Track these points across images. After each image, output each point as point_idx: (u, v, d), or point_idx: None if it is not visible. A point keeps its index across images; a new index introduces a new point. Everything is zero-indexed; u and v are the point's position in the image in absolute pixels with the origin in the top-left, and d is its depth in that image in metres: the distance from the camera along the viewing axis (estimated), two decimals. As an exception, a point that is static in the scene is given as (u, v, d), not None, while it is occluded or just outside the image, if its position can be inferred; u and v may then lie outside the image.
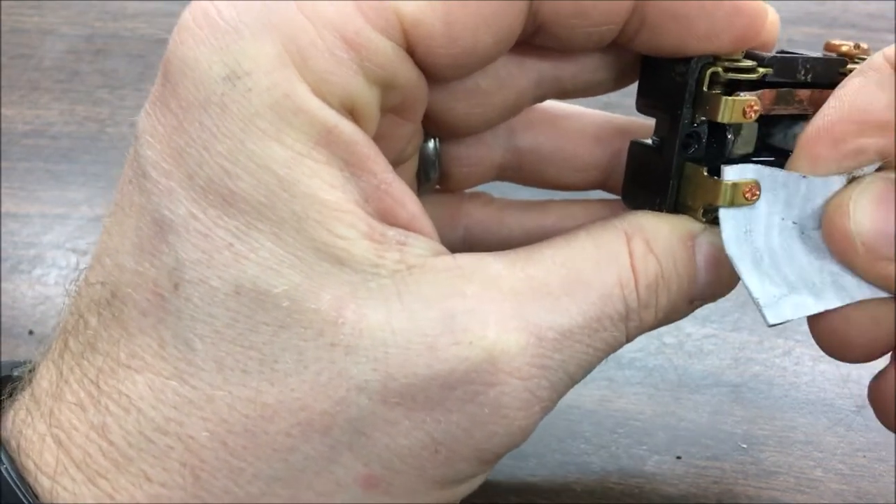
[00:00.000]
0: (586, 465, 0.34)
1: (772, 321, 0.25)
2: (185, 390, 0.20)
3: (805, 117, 0.26)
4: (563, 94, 0.28)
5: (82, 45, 0.54)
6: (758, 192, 0.25)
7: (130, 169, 0.22)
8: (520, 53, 0.25)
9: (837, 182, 0.25)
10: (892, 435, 0.34)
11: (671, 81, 0.25)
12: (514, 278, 0.22)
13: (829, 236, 0.24)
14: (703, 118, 0.25)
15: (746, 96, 0.24)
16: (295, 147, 0.21)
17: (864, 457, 0.34)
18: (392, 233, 0.22)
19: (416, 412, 0.21)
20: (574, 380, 0.23)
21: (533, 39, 0.24)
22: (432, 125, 0.27)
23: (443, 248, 0.23)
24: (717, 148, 0.25)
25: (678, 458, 0.34)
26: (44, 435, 0.21)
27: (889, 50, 0.23)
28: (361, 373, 0.20)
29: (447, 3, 0.22)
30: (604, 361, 0.37)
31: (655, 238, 0.24)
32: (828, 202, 0.24)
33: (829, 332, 0.25)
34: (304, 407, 0.20)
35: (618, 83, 0.27)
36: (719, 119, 0.24)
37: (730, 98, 0.24)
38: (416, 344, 0.21)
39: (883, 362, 0.26)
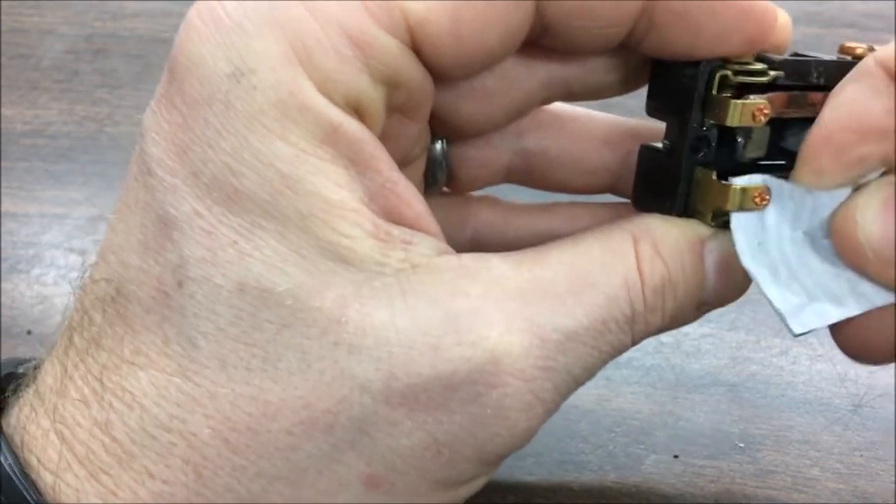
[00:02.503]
0: (584, 465, 0.34)
1: (797, 331, 0.25)
2: (189, 387, 0.21)
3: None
4: (570, 97, 0.28)
5: (81, 45, 0.54)
6: (767, 197, 0.24)
7: (136, 166, 0.22)
8: (527, 54, 0.25)
9: (843, 190, 0.24)
10: (890, 434, 0.34)
11: (680, 85, 0.25)
12: (519, 279, 0.22)
13: (839, 247, 0.24)
14: (713, 122, 0.24)
15: (756, 100, 0.24)
16: (300, 145, 0.21)
17: (862, 456, 0.34)
18: (397, 232, 0.22)
19: (418, 412, 0.21)
20: (578, 382, 0.23)
21: (540, 41, 0.24)
22: (439, 126, 0.27)
23: (448, 248, 0.23)
24: (727, 152, 0.25)
25: (675, 457, 0.34)
26: (47, 431, 0.21)
27: (880, 52, 0.23)
28: (364, 372, 0.20)
29: (454, 3, 0.22)
30: (602, 361, 0.37)
31: (663, 241, 0.24)
32: (834, 213, 0.24)
33: (852, 339, 0.25)
34: (307, 405, 0.20)
35: (627, 86, 0.27)
36: (728, 123, 0.24)
37: (739, 101, 0.24)
38: (420, 344, 0.21)
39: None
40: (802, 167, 0.24)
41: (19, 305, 0.40)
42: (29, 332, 0.39)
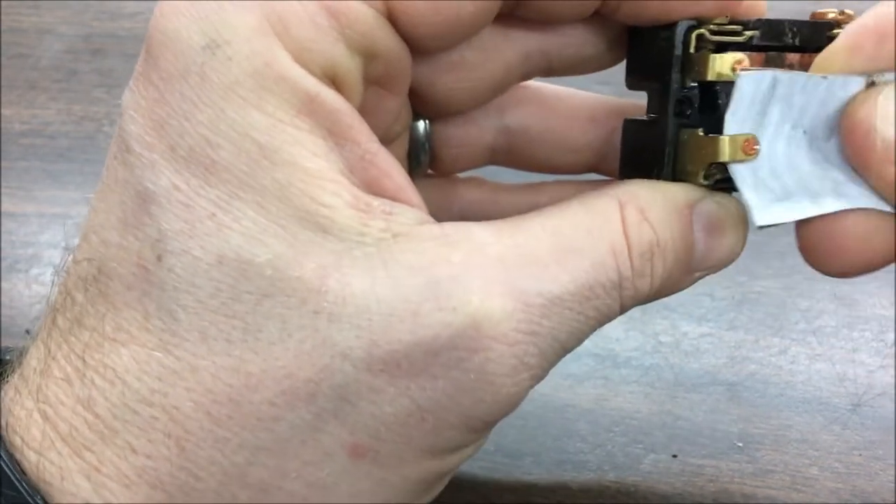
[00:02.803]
0: (582, 464, 0.34)
1: (761, 223, 0.24)
2: (170, 361, 0.20)
3: None
4: (551, 71, 0.27)
5: (80, 45, 0.54)
6: (756, 147, 0.24)
7: (115, 145, 0.22)
8: (505, 26, 0.25)
9: (856, 86, 0.24)
10: (889, 433, 0.34)
11: (658, 50, 0.25)
12: (501, 245, 0.22)
13: (848, 128, 0.24)
14: (694, 82, 0.25)
15: (734, 53, 0.24)
16: (276, 115, 0.21)
17: (861, 455, 0.34)
18: (377, 203, 0.22)
19: (400, 379, 0.21)
20: (566, 348, 0.23)
21: (516, 12, 0.24)
22: (420, 102, 0.27)
23: (429, 218, 0.23)
24: (710, 112, 0.25)
25: (674, 456, 0.34)
26: (31, 411, 0.21)
27: None
28: (345, 340, 0.20)
29: None
30: (600, 360, 0.37)
31: (650, 206, 0.23)
32: (854, 96, 0.24)
33: (820, 237, 0.25)
34: (289, 375, 0.20)
35: (608, 59, 0.27)
36: (709, 77, 0.24)
37: (717, 55, 0.24)
38: (400, 310, 0.20)
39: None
40: (839, 45, 0.23)
41: (18, 305, 0.40)
42: (27, 332, 0.39)
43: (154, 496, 0.20)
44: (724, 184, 0.25)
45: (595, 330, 0.23)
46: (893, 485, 0.33)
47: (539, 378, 0.23)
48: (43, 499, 0.20)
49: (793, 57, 0.26)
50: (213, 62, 0.21)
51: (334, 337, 0.20)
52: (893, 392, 0.35)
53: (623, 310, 0.23)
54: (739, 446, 0.34)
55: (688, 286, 0.25)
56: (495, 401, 0.21)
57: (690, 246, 0.24)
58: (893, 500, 0.32)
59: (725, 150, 0.24)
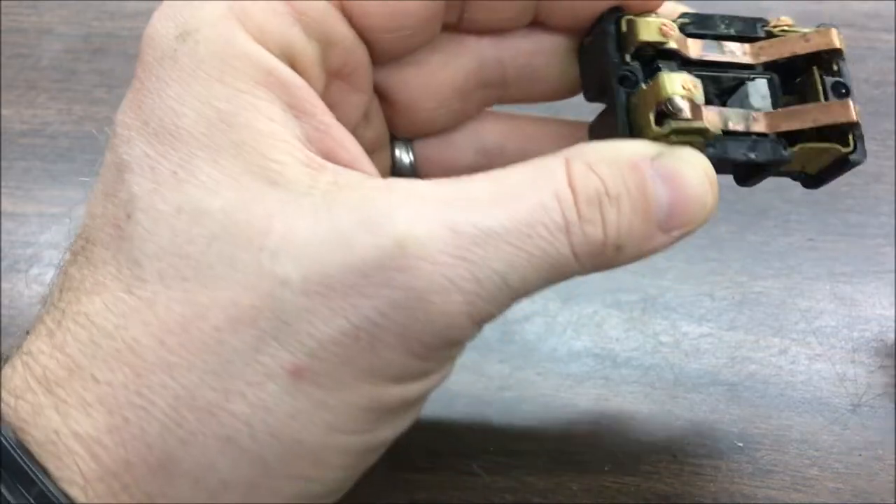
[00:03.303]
0: (582, 464, 0.34)
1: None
2: (132, 300, 0.22)
3: (751, 74, 0.28)
4: (507, 83, 0.30)
5: (80, 45, 0.54)
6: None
7: (110, 140, 0.25)
8: (459, 33, 0.28)
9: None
10: (889, 433, 0.34)
11: (597, 46, 0.27)
12: (440, 190, 0.23)
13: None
14: (631, 53, 0.26)
15: (660, 19, 0.26)
16: (236, 85, 0.23)
17: (860, 455, 0.34)
18: (331, 166, 0.23)
19: (334, 300, 0.22)
20: (511, 285, 0.23)
21: (463, 25, 0.28)
22: (395, 116, 0.29)
23: (380, 178, 0.24)
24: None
25: (674, 456, 0.34)
26: (16, 366, 0.23)
27: None
28: (285, 270, 0.22)
29: None
30: (600, 360, 0.37)
31: (598, 159, 0.24)
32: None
33: None
34: (234, 303, 0.22)
35: (563, 85, 0.29)
36: (639, 37, 0.26)
37: (643, 19, 0.26)
38: (335, 241, 0.22)
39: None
40: None
41: (18, 305, 0.40)
42: (28, 332, 0.39)
43: (112, 421, 0.22)
44: (682, 136, 0.25)
45: (550, 276, 0.23)
46: (893, 485, 0.33)
47: (483, 311, 0.23)
48: (14, 434, 0.22)
49: (737, 46, 0.28)
50: (183, 47, 0.23)
51: (275, 269, 0.22)
52: (893, 392, 0.35)
53: (579, 259, 0.23)
54: (739, 446, 0.34)
55: (664, 245, 0.25)
56: (427, 319, 0.22)
57: (649, 197, 0.24)
58: (893, 500, 0.32)
59: (667, 86, 0.25)
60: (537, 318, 0.38)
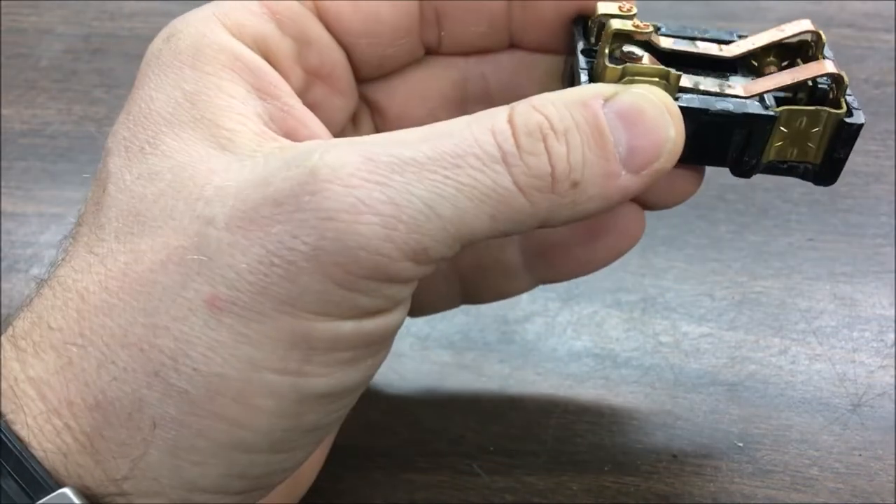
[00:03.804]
0: (582, 464, 0.34)
1: None
2: (90, 258, 0.24)
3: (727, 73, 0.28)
4: (492, 98, 0.31)
5: (80, 45, 0.54)
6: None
7: None
8: (443, 54, 0.30)
9: None
10: (889, 433, 0.34)
11: (570, 52, 0.28)
12: (370, 136, 0.23)
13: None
14: (594, 41, 0.27)
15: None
16: (205, 69, 0.25)
17: (860, 455, 0.34)
18: (283, 139, 0.25)
19: (252, 231, 0.22)
20: (442, 215, 0.22)
21: (442, 48, 0.30)
22: (385, 126, 0.31)
23: None
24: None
25: (674, 456, 0.34)
26: (5, 346, 0.24)
27: None
28: (213, 212, 0.23)
29: None
30: (600, 360, 0.37)
31: (543, 101, 0.24)
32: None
33: None
34: (166, 246, 0.23)
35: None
36: (611, 28, 0.26)
37: (603, 2, 0.27)
38: (258, 183, 0.23)
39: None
40: None
41: (18, 305, 0.40)
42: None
43: (59, 362, 0.23)
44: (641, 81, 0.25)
45: (496, 212, 0.23)
46: (893, 485, 0.33)
47: (412, 240, 0.22)
48: None
49: (707, 44, 0.28)
50: (167, 47, 0.26)
51: (206, 213, 0.23)
52: (893, 392, 0.35)
53: (527, 194, 0.23)
54: (739, 446, 0.34)
55: (637, 186, 0.24)
56: (338, 238, 0.22)
57: (603, 131, 0.23)
58: (893, 500, 0.32)
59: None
60: (537, 318, 0.38)
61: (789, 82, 0.27)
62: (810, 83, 0.27)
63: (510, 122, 0.23)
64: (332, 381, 0.23)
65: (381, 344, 0.24)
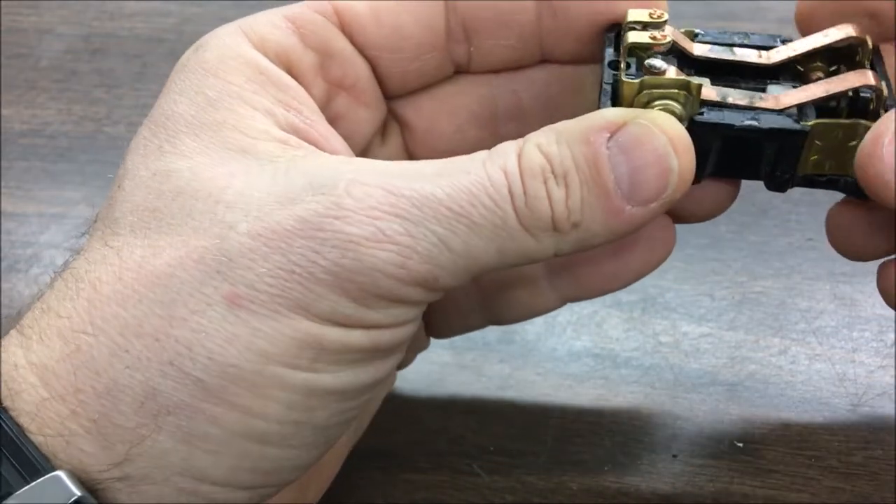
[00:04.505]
0: (582, 464, 0.34)
1: None
2: (105, 250, 0.24)
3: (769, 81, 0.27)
4: (524, 111, 0.31)
5: (80, 45, 0.54)
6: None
7: None
8: (474, 73, 0.30)
9: None
10: (889, 433, 0.34)
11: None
12: (392, 166, 0.25)
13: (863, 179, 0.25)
14: (621, 47, 0.27)
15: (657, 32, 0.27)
16: (228, 78, 0.26)
17: (860, 455, 0.34)
18: (306, 145, 0.26)
19: (274, 241, 0.23)
20: (454, 249, 0.24)
21: (472, 67, 0.30)
22: (414, 142, 0.31)
23: None
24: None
25: (674, 456, 0.34)
26: (11, 329, 0.25)
27: None
28: (235, 219, 0.24)
29: None
30: (600, 360, 0.37)
31: (549, 140, 0.24)
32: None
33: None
34: (185, 244, 0.24)
35: (583, 112, 0.29)
36: (628, 18, 0.26)
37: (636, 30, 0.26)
38: (283, 199, 0.24)
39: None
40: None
41: (18, 305, 0.40)
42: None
43: (65, 349, 0.24)
44: (660, 94, 0.25)
45: (504, 249, 0.24)
46: (893, 485, 0.33)
47: (424, 270, 0.23)
48: None
49: (747, 51, 0.27)
50: (194, 56, 0.27)
51: (227, 218, 0.24)
52: (893, 392, 0.36)
53: (532, 234, 0.24)
54: (739, 446, 0.34)
55: (643, 217, 0.25)
56: (357, 258, 0.23)
57: (602, 171, 0.24)
58: (893, 500, 0.32)
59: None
60: (537, 318, 0.38)
61: (822, 95, 0.26)
62: (850, 93, 0.26)
63: (519, 161, 0.24)
64: (342, 378, 0.24)
65: (389, 351, 0.25)
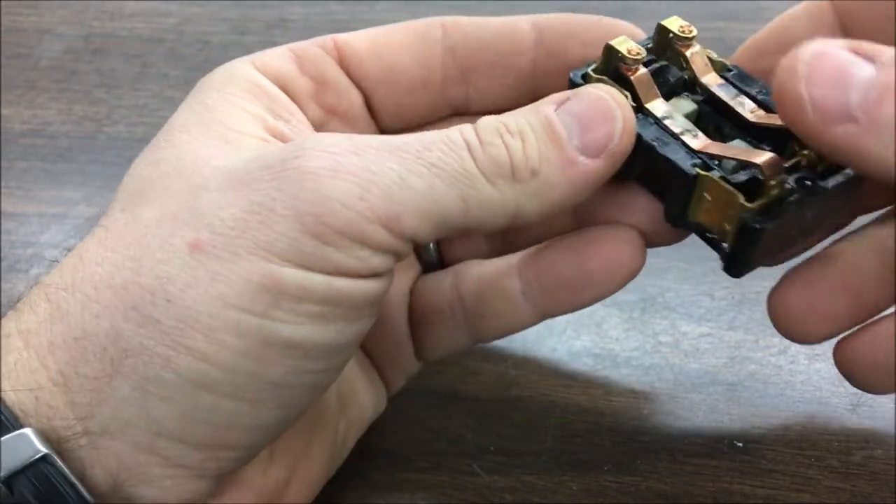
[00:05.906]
0: (582, 464, 0.34)
1: None
2: (99, 231, 0.26)
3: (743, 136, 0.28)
4: None
5: (80, 45, 0.54)
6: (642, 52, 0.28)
7: None
8: (473, 114, 0.31)
9: None
10: (889, 433, 0.34)
11: None
12: (366, 137, 0.26)
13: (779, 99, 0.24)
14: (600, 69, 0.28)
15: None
16: (227, 91, 0.29)
17: (860, 455, 0.34)
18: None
19: (240, 188, 0.25)
20: (414, 188, 0.25)
21: (472, 109, 0.32)
22: None
23: None
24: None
25: (674, 456, 0.34)
26: (8, 314, 0.26)
27: None
28: (206, 182, 0.25)
29: (372, 32, 0.32)
30: (600, 360, 0.37)
31: (503, 114, 0.27)
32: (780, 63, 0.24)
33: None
34: (162, 208, 0.25)
35: None
36: (663, 23, 0.28)
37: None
38: (251, 158, 0.26)
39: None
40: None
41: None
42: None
43: (48, 309, 0.25)
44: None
45: (464, 193, 0.25)
46: (893, 485, 0.33)
47: (387, 208, 0.24)
48: None
49: (748, 101, 0.28)
50: (206, 79, 0.30)
51: (202, 183, 0.25)
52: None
53: (490, 179, 0.25)
54: (739, 446, 0.34)
55: (600, 169, 0.26)
56: (316, 189, 0.24)
57: (555, 127, 0.26)
58: (893, 500, 0.32)
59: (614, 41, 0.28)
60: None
61: (722, 154, 0.26)
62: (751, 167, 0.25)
63: (474, 127, 0.26)
64: (299, 331, 0.24)
65: (352, 308, 0.25)
